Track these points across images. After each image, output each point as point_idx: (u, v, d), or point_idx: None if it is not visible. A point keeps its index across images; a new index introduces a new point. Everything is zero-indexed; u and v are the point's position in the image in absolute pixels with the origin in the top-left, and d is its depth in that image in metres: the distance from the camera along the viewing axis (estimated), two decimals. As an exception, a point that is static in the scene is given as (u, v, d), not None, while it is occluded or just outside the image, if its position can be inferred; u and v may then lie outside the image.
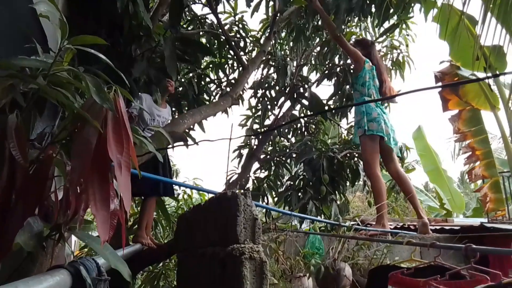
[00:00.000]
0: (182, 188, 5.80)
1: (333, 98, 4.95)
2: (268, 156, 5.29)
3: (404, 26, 4.58)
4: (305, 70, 5.43)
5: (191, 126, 4.32)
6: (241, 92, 4.94)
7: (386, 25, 4.66)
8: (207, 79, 4.53)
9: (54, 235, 1.05)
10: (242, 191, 1.77)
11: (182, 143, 2.84)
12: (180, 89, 4.15)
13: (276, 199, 4.74)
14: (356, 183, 4.91)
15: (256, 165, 5.42)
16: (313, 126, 5.39)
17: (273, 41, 4.99)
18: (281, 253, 2.35)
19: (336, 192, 4.48)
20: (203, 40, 4.40)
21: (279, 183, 5.23)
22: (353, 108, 3.45)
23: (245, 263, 1.48)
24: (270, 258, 2.35)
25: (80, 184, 1.03)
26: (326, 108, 5.10)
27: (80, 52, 1.16)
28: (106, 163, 0.94)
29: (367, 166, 3.45)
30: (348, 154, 4.61)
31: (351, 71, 3.42)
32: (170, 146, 1.73)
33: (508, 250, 1.61)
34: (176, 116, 3.06)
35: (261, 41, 4.67)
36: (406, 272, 1.91)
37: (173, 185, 3.27)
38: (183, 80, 4.12)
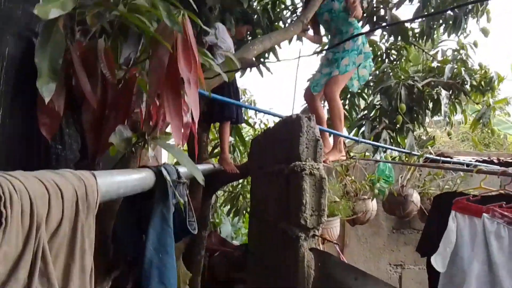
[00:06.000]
0: (258, 116, 6.06)
1: (417, 20, 4.56)
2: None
3: None
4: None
5: (266, 55, 4.37)
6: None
7: None
8: (282, 6, 4.45)
9: (141, 142, 1.26)
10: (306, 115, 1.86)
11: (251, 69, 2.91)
12: (255, 17, 4.16)
13: (349, 127, 4.72)
14: (438, 116, 4.64)
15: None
16: (395, 52, 5.08)
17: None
18: (347, 177, 2.44)
19: (415, 122, 4.32)
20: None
21: (354, 113, 5.17)
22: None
23: (305, 178, 1.61)
24: (337, 180, 2.47)
25: (158, 98, 1.21)
26: (410, 33, 4.75)
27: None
28: (177, 80, 1.08)
29: (338, 90, 3.18)
30: (432, 82, 4.33)
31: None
32: (238, 69, 1.84)
33: None
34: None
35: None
36: (472, 198, 1.90)
37: (241, 113, 3.41)
38: (257, 7, 4.11)
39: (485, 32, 4.21)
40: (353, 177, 2.55)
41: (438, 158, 2.95)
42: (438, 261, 1.87)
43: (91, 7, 1.13)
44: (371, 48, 3.69)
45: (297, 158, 1.68)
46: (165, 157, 5.48)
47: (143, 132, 1.24)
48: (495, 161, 4.02)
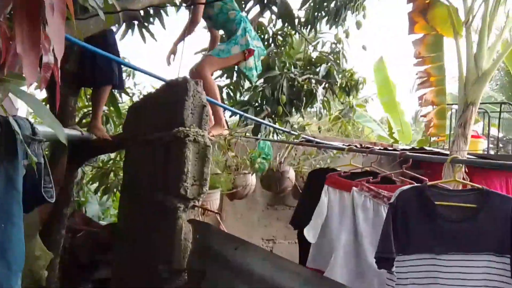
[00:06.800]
0: (138, 88, 5.64)
1: (305, 7, 4.76)
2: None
3: None
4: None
5: (151, 20, 4.04)
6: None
7: None
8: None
9: (-20, 82, 0.98)
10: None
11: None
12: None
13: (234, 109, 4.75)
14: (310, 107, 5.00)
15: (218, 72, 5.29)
16: (281, 38, 5.25)
17: None
18: (229, 151, 2.41)
19: (293, 112, 4.59)
20: None
21: (239, 93, 5.20)
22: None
23: (188, 145, 1.49)
24: (219, 154, 2.42)
25: (8, 26, 0.95)
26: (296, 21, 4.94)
27: None
28: (37, 4, 0.85)
29: (209, 68, 3.18)
30: (308, 79, 4.63)
31: None
32: (118, 11, 1.60)
33: (437, 158, 1.72)
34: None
35: None
36: (343, 174, 2.03)
37: (122, 78, 3.12)
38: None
39: (358, 24, 4.63)
40: (234, 153, 2.54)
41: (313, 139, 3.13)
42: (310, 233, 1.95)
43: None
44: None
45: (181, 123, 1.55)
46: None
47: (-16, 70, 0.96)
48: (358, 146, 4.48)
